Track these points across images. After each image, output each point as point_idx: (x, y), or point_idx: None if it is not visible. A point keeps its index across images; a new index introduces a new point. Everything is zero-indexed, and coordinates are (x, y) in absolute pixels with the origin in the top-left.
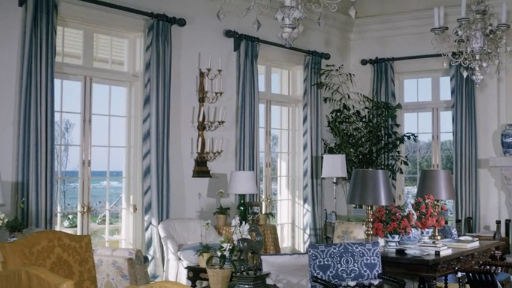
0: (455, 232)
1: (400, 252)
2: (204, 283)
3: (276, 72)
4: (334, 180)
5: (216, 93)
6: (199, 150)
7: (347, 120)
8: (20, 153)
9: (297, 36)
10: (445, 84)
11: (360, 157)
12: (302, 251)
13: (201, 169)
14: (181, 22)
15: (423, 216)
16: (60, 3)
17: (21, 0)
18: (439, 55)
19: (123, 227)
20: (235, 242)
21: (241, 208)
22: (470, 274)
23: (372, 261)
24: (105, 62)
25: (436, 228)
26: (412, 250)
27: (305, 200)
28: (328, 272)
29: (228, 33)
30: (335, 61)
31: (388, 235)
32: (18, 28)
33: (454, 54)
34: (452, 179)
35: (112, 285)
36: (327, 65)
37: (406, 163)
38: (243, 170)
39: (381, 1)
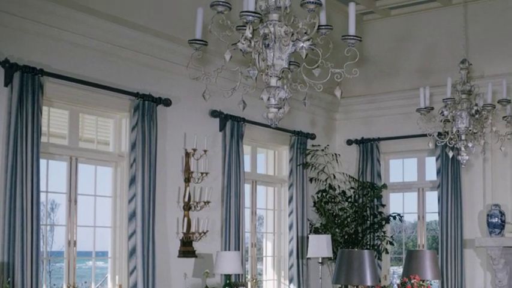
0: None
1: None
2: None
3: (261, 153)
4: (320, 261)
5: (202, 173)
6: (184, 230)
7: (333, 200)
8: (6, 233)
9: (283, 116)
10: (431, 165)
11: (346, 237)
12: None
13: (186, 249)
14: (167, 102)
15: None
16: (46, 84)
17: (6, 81)
18: (425, 135)
19: None
20: None
21: None
22: None
23: None
24: (91, 142)
25: None
26: None
27: (291, 280)
28: None
29: (214, 113)
30: (321, 141)
31: None
32: (4, 108)
33: (439, 134)
34: (437, 259)
35: None
36: (313, 145)
37: (391, 243)
38: (229, 250)
39: (366, 81)
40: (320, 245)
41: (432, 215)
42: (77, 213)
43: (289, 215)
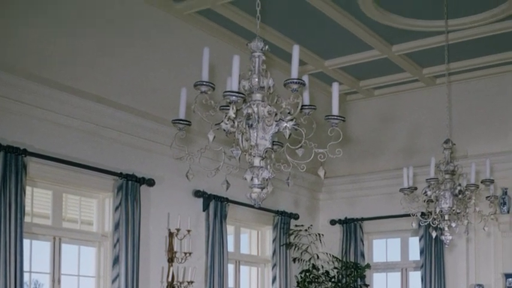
0: None
1: None
2: None
3: (245, 233)
4: None
5: (185, 253)
6: None
7: (316, 280)
8: None
9: (266, 196)
10: (414, 245)
11: None
12: None
13: None
14: (150, 182)
15: None
16: (29, 164)
17: None
18: (408, 215)
19: None
20: None
21: None
22: None
23: None
24: (74, 222)
25: None
26: None
27: None
28: None
29: (197, 193)
30: (304, 221)
31: None
32: None
33: (423, 214)
34: None
35: None
36: (296, 225)
37: None
38: None
39: (350, 161)
40: None
41: None
42: None
43: None
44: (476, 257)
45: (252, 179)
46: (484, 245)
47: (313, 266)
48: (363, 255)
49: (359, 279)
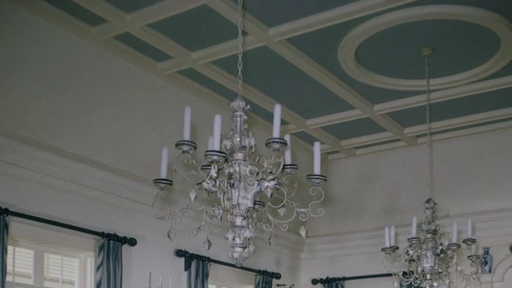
0: None
1: None
2: None
3: None
4: None
5: None
6: None
7: None
8: None
9: (248, 256)
10: None
11: None
12: None
13: None
14: (132, 242)
15: None
16: (11, 223)
17: None
18: (390, 275)
19: None
20: None
21: None
22: None
23: None
24: (56, 282)
25: None
26: None
27: None
28: None
29: (179, 253)
30: (286, 280)
31: None
32: None
33: (404, 273)
34: None
35: None
36: (278, 285)
37: None
38: None
39: (331, 221)
40: None
41: None
42: None
43: None
44: None
45: (233, 239)
46: None
47: None
48: None
49: None
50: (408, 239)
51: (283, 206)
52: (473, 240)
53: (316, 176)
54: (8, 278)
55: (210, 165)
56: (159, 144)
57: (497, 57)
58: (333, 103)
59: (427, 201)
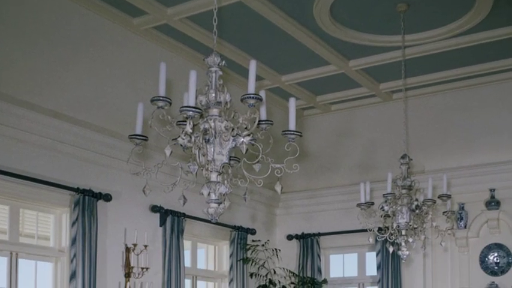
0: None
1: None
2: None
3: (202, 248)
4: None
5: (142, 268)
6: None
7: None
8: None
9: (223, 211)
10: (371, 260)
11: None
12: None
13: None
14: (107, 197)
15: None
16: None
17: None
18: (365, 230)
19: None
20: None
21: None
22: None
23: None
24: (31, 238)
25: None
26: None
27: None
28: None
29: (154, 209)
30: (261, 236)
31: None
32: None
33: (380, 229)
34: None
35: None
36: (253, 240)
37: None
38: None
39: (306, 176)
40: None
41: None
42: None
43: None
44: (433, 272)
45: (209, 194)
46: (441, 261)
47: (270, 281)
48: (319, 270)
49: None
50: (383, 194)
51: (258, 161)
52: (449, 196)
53: (292, 132)
54: None
55: (185, 121)
56: (134, 99)
57: (472, 13)
58: (308, 59)
59: (402, 157)
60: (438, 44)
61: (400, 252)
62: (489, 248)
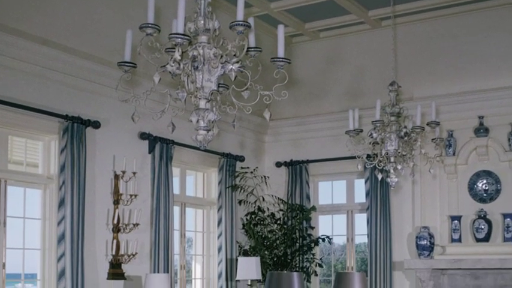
0: None
1: None
2: None
3: (190, 175)
4: (249, 283)
5: (131, 195)
6: (114, 253)
7: (262, 222)
8: None
9: (212, 138)
10: (360, 187)
11: (275, 259)
12: None
13: (115, 271)
14: (96, 124)
15: None
16: None
17: None
18: (354, 157)
19: None
20: None
21: None
22: None
23: None
24: (20, 165)
25: None
26: None
27: None
28: None
29: (143, 136)
30: (250, 163)
31: None
32: None
33: (368, 156)
34: (366, 282)
35: None
36: (242, 167)
37: (320, 265)
38: (158, 272)
39: (295, 103)
40: (249, 268)
41: (361, 237)
42: (5, 235)
43: (218, 237)
44: (422, 199)
45: (197, 121)
46: (429, 188)
47: (259, 209)
48: (308, 197)
49: (304, 222)
50: (372, 121)
51: (247, 88)
52: (437, 123)
53: (280, 59)
54: None
55: (174, 48)
56: (123, 26)
57: None
58: None
59: (391, 84)
60: None
61: (388, 179)
62: (478, 175)
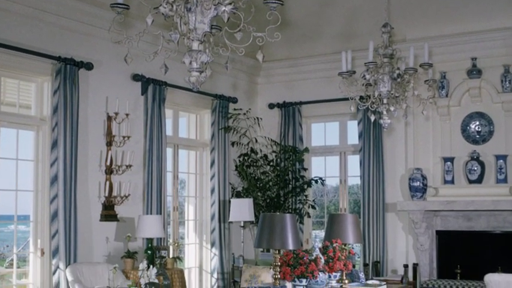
0: (363, 276)
1: None
2: None
3: (183, 116)
4: (242, 224)
5: (124, 137)
6: (106, 194)
7: (254, 164)
8: None
9: (205, 80)
10: (353, 128)
11: (268, 201)
12: None
13: (108, 213)
14: (89, 66)
15: (331, 260)
16: None
17: None
18: (347, 99)
19: (30, 271)
20: (143, 286)
21: (149, 252)
22: None
23: None
24: (13, 106)
25: (344, 272)
26: None
27: (212, 244)
28: None
29: (136, 77)
30: (242, 105)
31: (296, 279)
32: None
33: (361, 98)
34: (359, 223)
35: None
36: (235, 109)
37: (313, 207)
38: (151, 214)
39: (288, 45)
40: (242, 209)
41: (354, 178)
42: None
43: (211, 179)
44: (414, 141)
45: (190, 63)
46: (422, 129)
47: (252, 150)
48: (301, 139)
49: (297, 163)
50: (365, 63)
51: (240, 30)
52: (430, 65)
53: (273, 0)
54: None
55: None
56: None
57: None
58: None
59: (384, 26)
60: None
61: (381, 121)
62: (470, 117)
